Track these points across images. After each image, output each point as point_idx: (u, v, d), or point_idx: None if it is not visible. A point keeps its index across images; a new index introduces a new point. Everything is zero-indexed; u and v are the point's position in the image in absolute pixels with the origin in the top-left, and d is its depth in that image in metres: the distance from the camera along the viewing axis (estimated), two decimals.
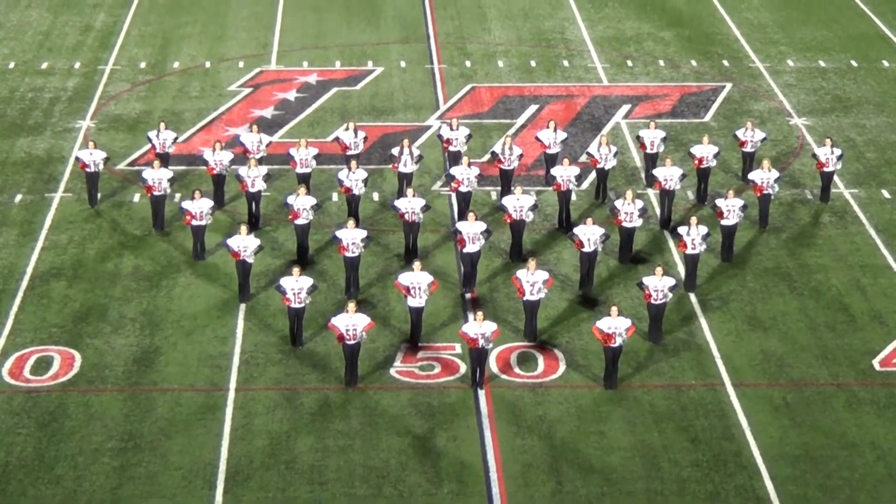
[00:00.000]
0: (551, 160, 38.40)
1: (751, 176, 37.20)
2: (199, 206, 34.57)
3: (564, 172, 36.37)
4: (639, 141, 39.14)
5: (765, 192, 36.60)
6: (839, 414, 29.62)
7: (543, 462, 27.96)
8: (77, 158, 38.16)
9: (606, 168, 37.90)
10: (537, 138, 39.01)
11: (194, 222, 34.61)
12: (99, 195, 38.08)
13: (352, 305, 29.98)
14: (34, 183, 39.50)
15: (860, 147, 42.30)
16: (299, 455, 28.08)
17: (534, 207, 34.94)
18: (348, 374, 30.22)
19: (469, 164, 36.61)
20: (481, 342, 29.69)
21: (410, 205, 34.75)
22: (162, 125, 38.80)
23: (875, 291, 34.44)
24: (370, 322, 30.09)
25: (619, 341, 29.85)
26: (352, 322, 29.74)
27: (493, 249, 35.52)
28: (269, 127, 42.41)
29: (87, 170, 37.41)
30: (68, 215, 37.62)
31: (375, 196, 38.29)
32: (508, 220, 34.74)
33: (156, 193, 36.24)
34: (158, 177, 36.20)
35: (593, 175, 38.66)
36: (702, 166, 37.85)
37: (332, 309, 32.53)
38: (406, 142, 37.68)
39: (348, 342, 29.81)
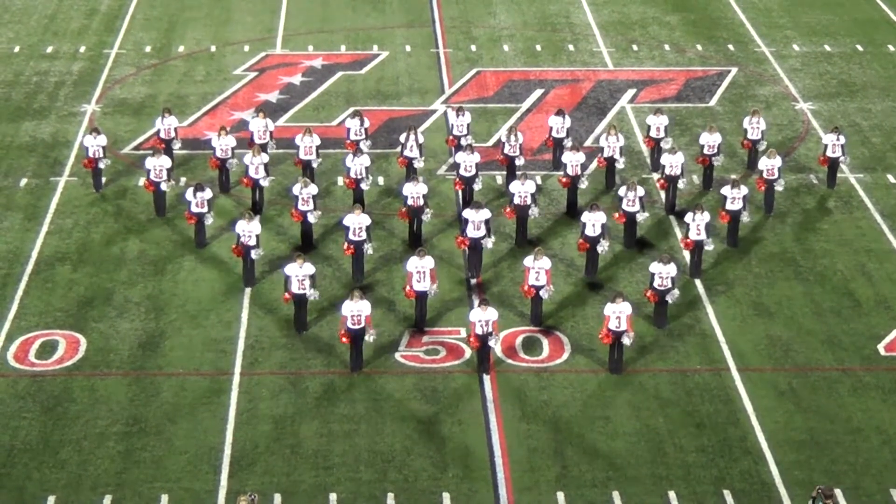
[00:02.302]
0: (559, 145, 38.34)
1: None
2: (200, 196, 34.47)
3: (573, 158, 36.34)
4: (647, 133, 38.78)
5: (769, 179, 36.49)
6: (844, 399, 29.56)
7: (548, 447, 27.92)
8: (83, 146, 37.87)
9: (615, 158, 37.66)
10: (549, 125, 38.88)
11: (195, 210, 34.39)
12: (104, 179, 37.99)
13: (357, 292, 29.87)
14: (39, 167, 39.45)
15: (866, 132, 42.17)
16: (304, 440, 28.04)
17: (535, 195, 34.69)
18: (353, 358, 30.16)
19: (472, 151, 36.47)
20: (479, 328, 29.49)
21: (416, 191, 34.69)
22: (166, 112, 38.63)
23: (880, 276, 34.35)
24: (367, 316, 29.84)
25: (626, 341, 29.82)
26: (356, 308, 29.66)
27: (498, 235, 35.42)
28: (274, 111, 42.32)
29: (93, 166, 37.27)
30: (73, 199, 37.57)
31: (381, 181, 38.18)
32: (510, 217, 34.30)
33: (155, 181, 36.11)
34: (159, 164, 36.12)
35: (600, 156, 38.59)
36: (709, 153, 37.67)
37: (338, 294, 32.48)
38: (412, 127, 37.62)
39: (352, 328, 29.71)
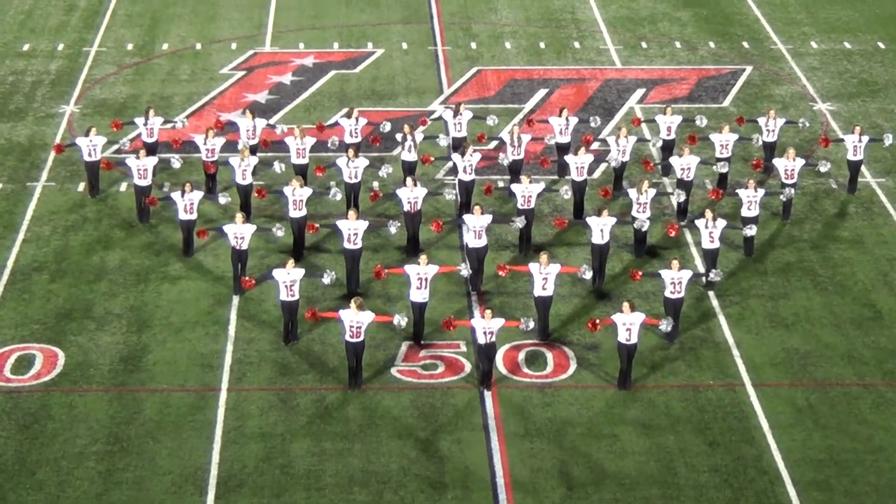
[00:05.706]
0: (563, 149, 38.40)
1: (774, 161, 37.28)
2: (189, 199, 34.55)
3: (578, 161, 36.42)
4: (653, 137, 38.90)
5: (787, 183, 36.57)
6: (866, 416, 29.59)
7: (553, 467, 27.94)
8: (74, 144, 37.89)
9: (624, 160, 37.72)
10: (547, 121, 38.96)
11: (183, 216, 34.59)
12: (96, 184, 37.87)
13: (358, 302, 29.80)
14: (15, 171, 39.50)
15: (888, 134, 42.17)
16: (295, 459, 28.07)
17: (541, 195, 34.83)
18: (352, 375, 30.07)
19: (471, 152, 36.53)
20: (482, 336, 29.56)
21: (412, 195, 34.76)
22: (151, 111, 38.64)
23: None
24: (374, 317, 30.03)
25: (634, 339, 29.88)
26: (357, 319, 29.65)
27: (501, 243, 35.44)
28: (263, 112, 42.34)
29: (89, 158, 37.24)
30: (51, 206, 37.60)
31: (375, 185, 38.19)
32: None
33: (142, 184, 36.19)
34: (143, 165, 36.17)
35: (605, 165, 38.63)
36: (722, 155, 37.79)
37: (331, 305, 32.51)
38: (408, 128, 37.70)
39: (352, 340, 29.69)
